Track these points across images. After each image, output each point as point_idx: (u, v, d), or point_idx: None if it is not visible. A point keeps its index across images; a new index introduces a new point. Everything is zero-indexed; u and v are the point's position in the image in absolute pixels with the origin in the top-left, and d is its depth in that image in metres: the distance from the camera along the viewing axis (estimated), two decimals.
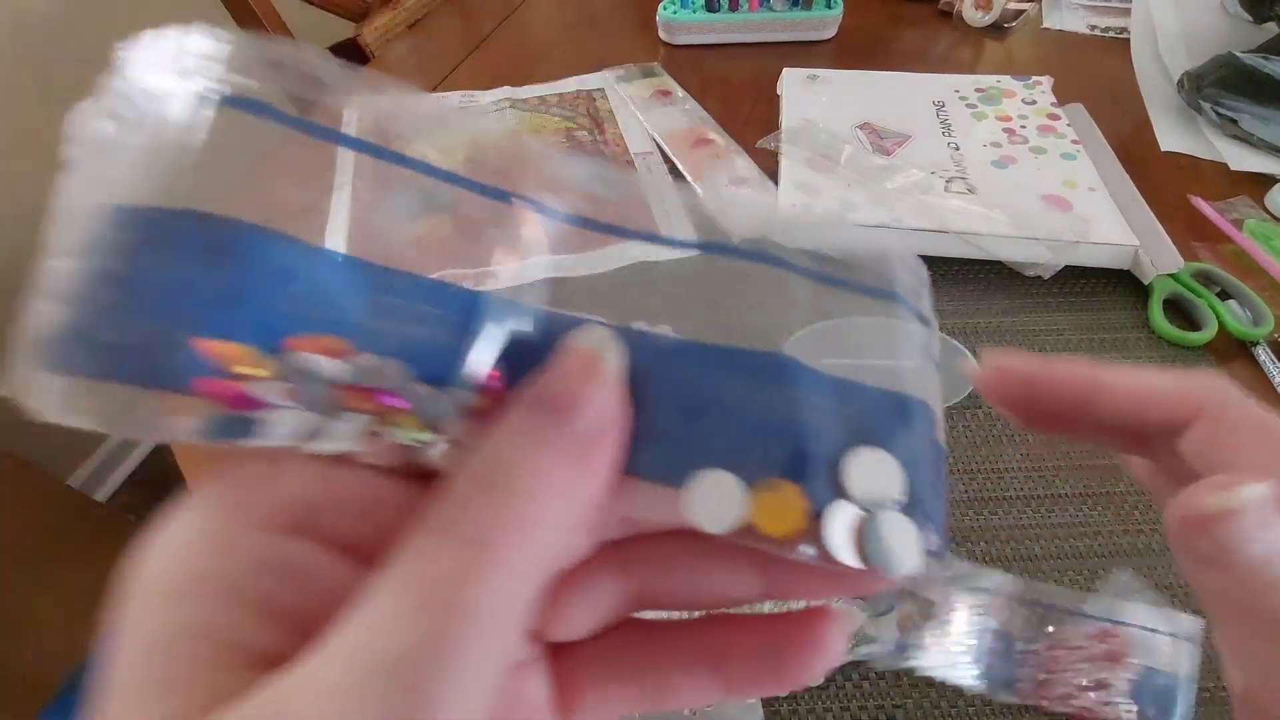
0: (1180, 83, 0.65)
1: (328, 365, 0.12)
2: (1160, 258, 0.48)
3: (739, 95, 0.69)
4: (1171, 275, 0.48)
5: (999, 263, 0.50)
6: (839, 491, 0.13)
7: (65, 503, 1.05)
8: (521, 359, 0.14)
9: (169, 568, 0.12)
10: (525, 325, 0.14)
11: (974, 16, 0.79)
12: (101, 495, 1.39)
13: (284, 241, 0.13)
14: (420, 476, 0.14)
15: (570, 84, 0.71)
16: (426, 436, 0.13)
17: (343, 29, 0.95)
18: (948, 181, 0.54)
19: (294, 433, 0.12)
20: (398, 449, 0.13)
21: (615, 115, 0.67)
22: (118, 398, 0.12)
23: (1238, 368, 0.45)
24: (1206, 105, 0.62)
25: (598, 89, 0.70)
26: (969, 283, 0.50)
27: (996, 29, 0.79)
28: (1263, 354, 0.45)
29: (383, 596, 0.11)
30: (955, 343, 0.46)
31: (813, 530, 0.13)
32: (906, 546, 0.13)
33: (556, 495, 0.12)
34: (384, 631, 0.11)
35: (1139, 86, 0.69)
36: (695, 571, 0.15)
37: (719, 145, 0.62)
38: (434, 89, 0.72)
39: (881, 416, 0.14)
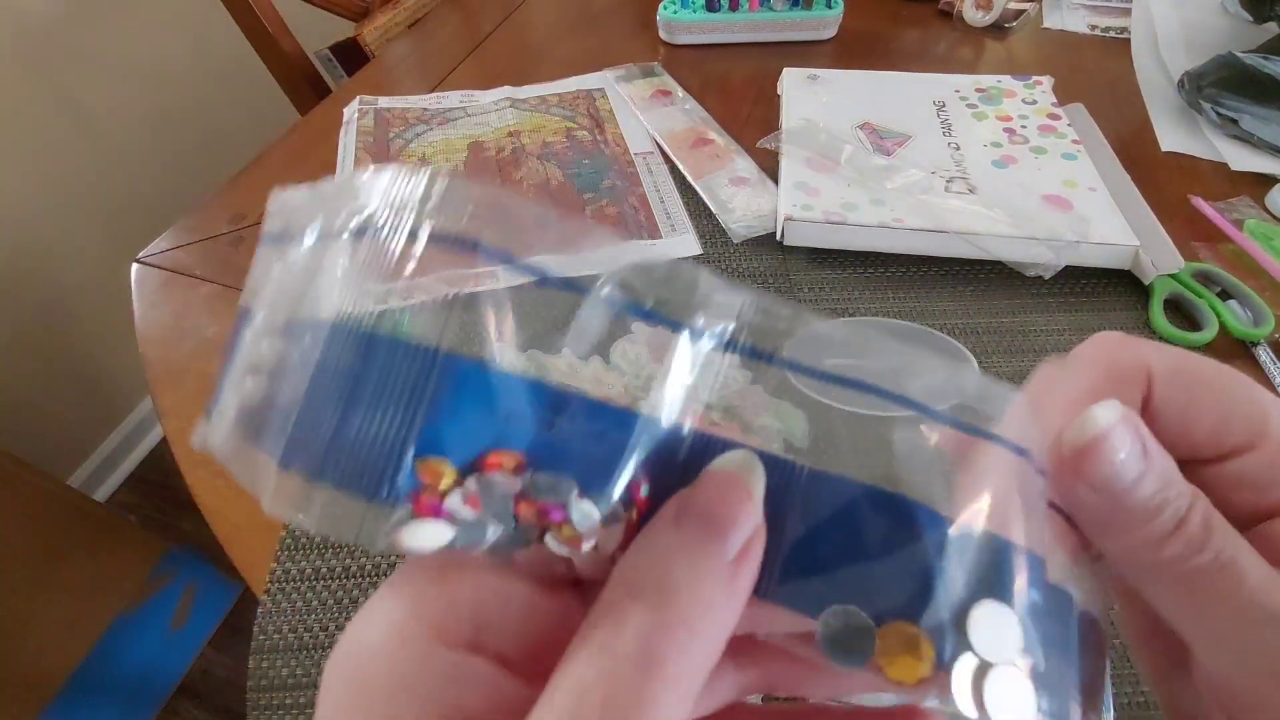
0: (1180, 83, 0.65)
1: (511, 480, 0.13)
2: (1161, 258, 0.48)
3: (739, 95, 0.69)
4: (1172, 275, 0.48)
5: (999, 263, 0.50)
6: (965, 644, 0.13)
7: (65, 503, 1.05)
8: (668, 475, 0.14)
9: (375, 666, 0.13)
10: (677, 444, 0.15)
11: (974, 16, 0.79)
12: (101, 495, 1.39)
13: (484, 366, 0.14)
14: (564, 585, 0.15)
15: (570, 84, 0.71)
16: (583, 546, 0.14)
17: (343, 29, 0.95)
18: (948, 181, 0.54)
19: (472, 541, 0.13)
20: (546, 558, 0.14)
21: (615, 115, 0.67)
22: (332, 503, 0.13)
23: (1238, 368, 0.44)
24: (1207, 105, 0.62)
25: (598, 89, 0.70)
26: (969, 283, 0.50)
27: (997, 29, 0.79)
28: (1263, 354, 0.45)
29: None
30: (956, 342, 0.46)
31: (938, 679, 0.13)
32: (1021, 706, 0.13)
33: (712, 611, 0.13)
34: None
35: (1139, 86, 0.69)
36: (808, 668, 0.15)
37: (719, 145, 0.62)
38: (434, 89, 0.72)
39: (1008, 570, 0.14)
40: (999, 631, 0.14)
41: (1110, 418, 0.15)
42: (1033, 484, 0.15)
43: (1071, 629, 0.15)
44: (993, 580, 0.14)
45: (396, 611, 0.13)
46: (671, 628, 0.12)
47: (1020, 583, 0.14)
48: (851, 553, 0.14)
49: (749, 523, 0.14)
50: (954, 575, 0.14)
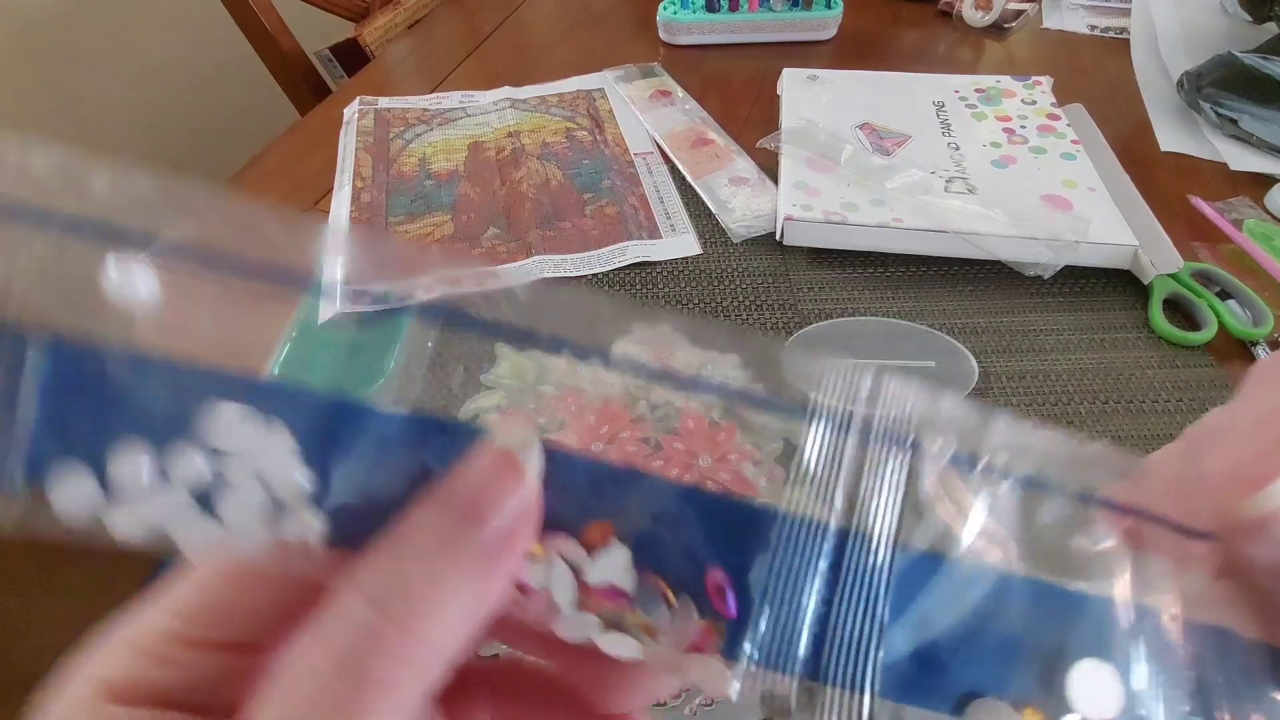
0: (1180, 83, 0.65)
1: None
2: (1160, 258, 0.48)
3: (739, 95, 0.69)
4: (1171, 275, 0.48)
5: (999, 263, 0.50)
6: (1067, 707, 0.13)
7: None
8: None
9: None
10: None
11: (974, 16, 0.79)
12: None
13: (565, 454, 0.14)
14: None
15: (570, 84, 0.71)
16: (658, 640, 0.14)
17: (343, 29, 0.95)
18: (948, 181, 0.54)
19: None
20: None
21: (615, 115, 0.67)
22: None
23: (1238, 368, 0.45)
24: (1206, 105, 0.62)
25: (598, 89, 0.70)
26: (969, 283, 0.50)
27: (996, 29, 0.79)
28: (1263, 354, 0.45)
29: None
30: (956, 342, 0.46)
31: None
32: None
33: (448, 611, 0.12)
34: None
35: (1139, 86, 0.69)
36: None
37: (719, 145, 0.62)
38: (434, 89, 0.72)
39: (1095, 624, 0.14)
40: (1101, 693, 0.13)
41: None
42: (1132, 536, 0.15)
43: (1232, 659, 0.14)
44: (1084, 638, 0.14)
45: (73, 678, 0.13)
46: (386, 635, 0.11)
47: (1133, 637, 0.14)
48: (973, 638, 0.14)
49: (514, 506, 0.12)
50: (1050, 639, 0.14)
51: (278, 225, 0.13)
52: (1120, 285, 0.50)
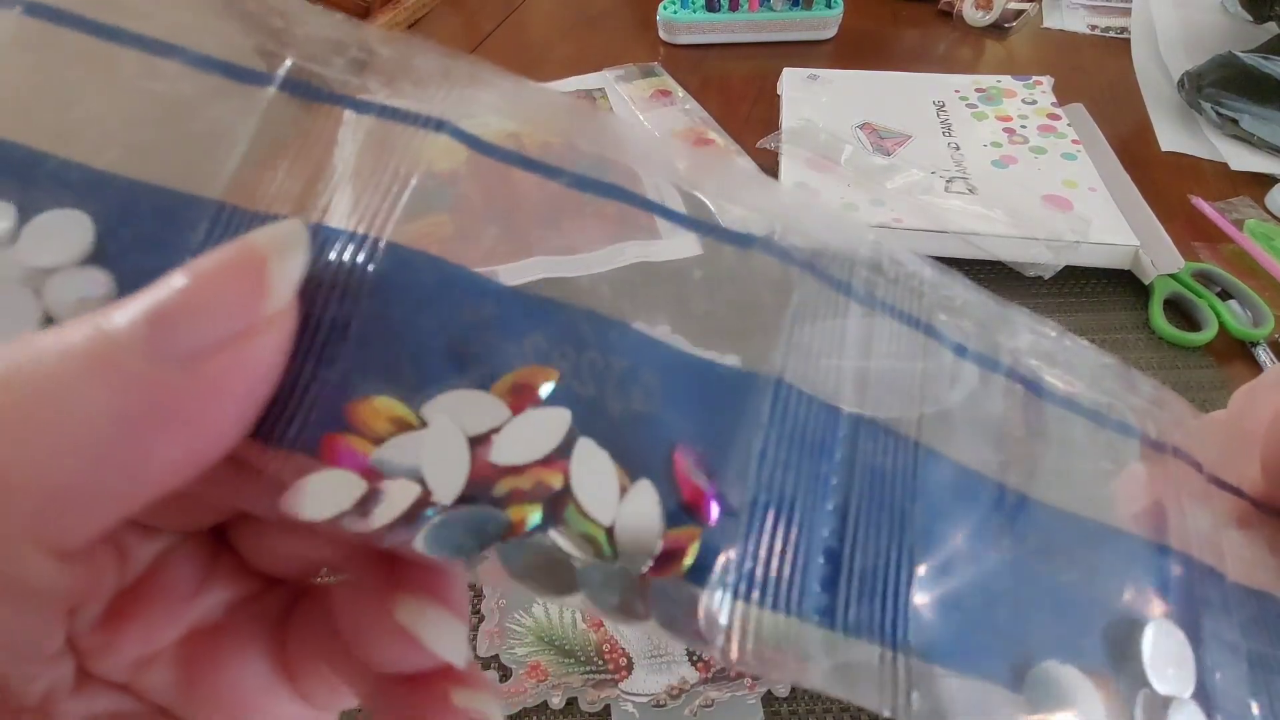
0: (1180, 83, 0.65)
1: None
2: (1160, 258, 0.48)
3: (739, 95, 0.69)
4: (1172, 275, 0.48)
5: (999, 263, 0.50)
6: (1143, 679, 0.11)
7: None
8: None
9: None
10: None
11: (974, 16, 0.79)
12: None
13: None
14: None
15: (570, 84, 0.71)
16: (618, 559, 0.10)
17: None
18: (948, 181, 0.54)
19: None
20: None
21: (615, 115, 0.67)
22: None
23: (1238, 368, 0.44)
24: (1206, 105, 0.62)
25: (598, 89, 0.70)
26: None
27: (996, 29, 0.79)
28: (1263, 354, 0.45)
29: None
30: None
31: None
32: None
33: (78, 433, 0.08)
34: None
35: (1139, 86, 0.69)
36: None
37: (719, 145, 0.62)
38: None
39: (1156, 579, 0.12)
40: (1173, 664, 0.11)
41: None
42: (1204, 493, 0.13)
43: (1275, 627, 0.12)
44: (1161, 599, 0.12)
45: None
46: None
47: (1189, 597, 0.12)
48: (1029, 579, 0.11)
49: (232, 311, 0.09)
50: (1122, 595, 0.11)
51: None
52: (1120, 285, 0.50)
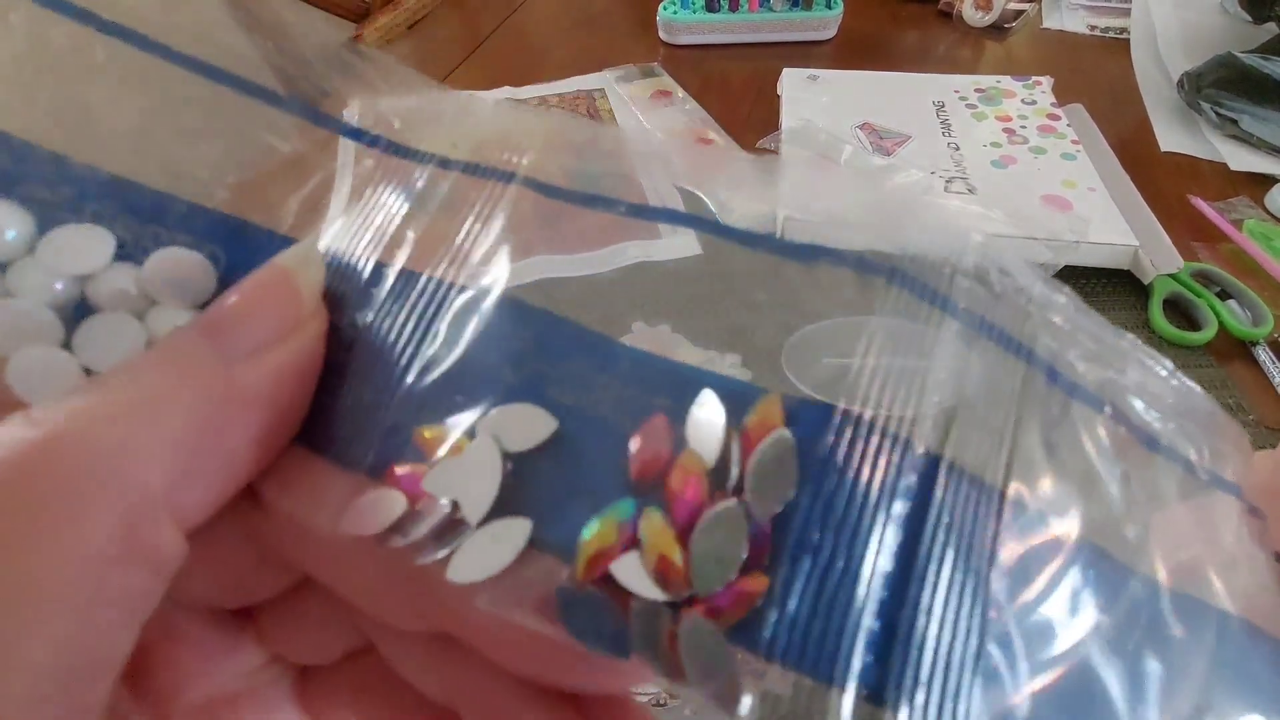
0: (1180, 83, 0.65)
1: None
2: (1160, 258, 0.48)
3: (739, 95, 0.69)
4: (1171, 275, 0.48)
5: None
6: None
7: None
8: None
9: None
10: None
11: (974, 16, 0.79)
12: None
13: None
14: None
15: (570, 84, 0.71)
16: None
17: (342, 29, 0.95)
18: (948, 182, 0.54)
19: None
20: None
21: (615, 115, 0.67)
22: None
23: (1238, 368, 0.44)
24: (1206, 105, 0.62)
25: (598, 89, 0.70)
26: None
27: (996, 29, 0.79)
28: (1263, 354, 0.45)
29: None
30: None
31: None
32: None
33: (161, 425, 0.10)
34: None
35: (1139, 87, 0.69)
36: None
37: (719, 145, 0.62)
38: None
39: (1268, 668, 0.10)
40: None
41: None
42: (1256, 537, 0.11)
43: None
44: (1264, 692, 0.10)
45: None
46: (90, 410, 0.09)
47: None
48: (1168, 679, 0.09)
49: (273, 316, 0.11)
50: (1221, 682, 0.10)
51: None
52: (1120, 285, 0.50)
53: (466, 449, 0.10)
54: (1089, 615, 0.09)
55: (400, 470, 0.10)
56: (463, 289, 0.12)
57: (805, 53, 0.76)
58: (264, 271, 0.11)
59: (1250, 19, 0.70)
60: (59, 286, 0.11)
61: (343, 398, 0.11)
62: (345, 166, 0.13)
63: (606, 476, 0.10)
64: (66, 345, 0.11)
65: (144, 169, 0.12)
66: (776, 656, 0.09)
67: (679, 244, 0.54)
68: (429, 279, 0.12)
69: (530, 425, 0.10)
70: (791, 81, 0.65)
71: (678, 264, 0.53)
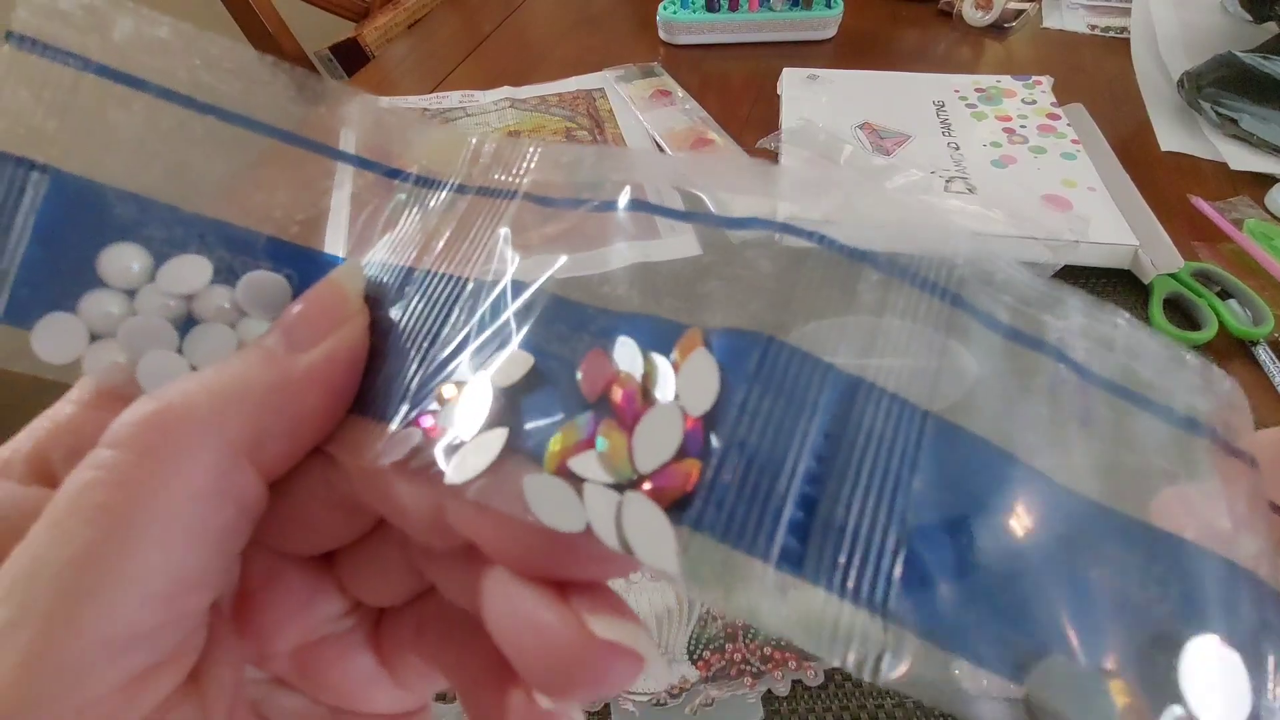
0: (1180, 83, 0.65)
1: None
2: (1160, 257, 0.48)
3: (739, 95, 0.69)
4: (1171, 275, 0.48)
5: None
6: (1175, 694, 0.10)
7: None
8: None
9: None
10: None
11: (974, 16, 0.79)
12: None
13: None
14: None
15: (570, 84, 0.71)
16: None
17: (343, 29, 0.95)
18: (948, 181, 0.54)
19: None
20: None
21: (615, 115, 0.67)
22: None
23: (1238, 368, 0.45)
24: (1206, 105, 0.62)
25: (598, 89, 0.70)
26: None
27: (996, 29, 0.79)
28: (1263, 354, 0.45)
29: (50, 512, 0.12)
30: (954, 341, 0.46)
31: None
32: None
33: (237, 400, 0.13)
34: (44, 543, 0.11)
35: (1139, 86, 0.69)
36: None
37: (719, 145, 0.62)
38: (434, 89, 0.72)
39: (1212, 592, 0.11)
40: (1220, 684, 0.10)
41: None
42: (1258, 494, 0.12)
43: None
44: (1205, 607, 0.11)
45: None
46: (179, 417, 0.12)
47: (1249, 617, 0.11)
48: (1046, 565, 0.10)
49: (326, 315, 0.14)
50: (1163, 602, 0.10)
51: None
52: (1120, 285, 0.50)
53: (469, 391, 0.13)
54: (1014, 525, 0.11)
55: (422, 417, 0.13)
56: (471, 281, 0.15)
57: (805, 53, 0.76)
58: (321, 284, 0.15)
59: (1250, 18, 0.70)
60: (172, 304, 0.15)
61: (383, 373, 0.14)
62: (388, 200, 0.17)
63: (569, 397, 0.12)
64: (180, 350, 0.14)
65: (233, 212, 0.16)
66: (705, 529, 0.11)
67: (678, 244, 0.54)
68: (444, 277, 0.15)
69: (514, 365, 0.13)
70: (791, 81, 0.65)
71: (677, 264, 0.53)
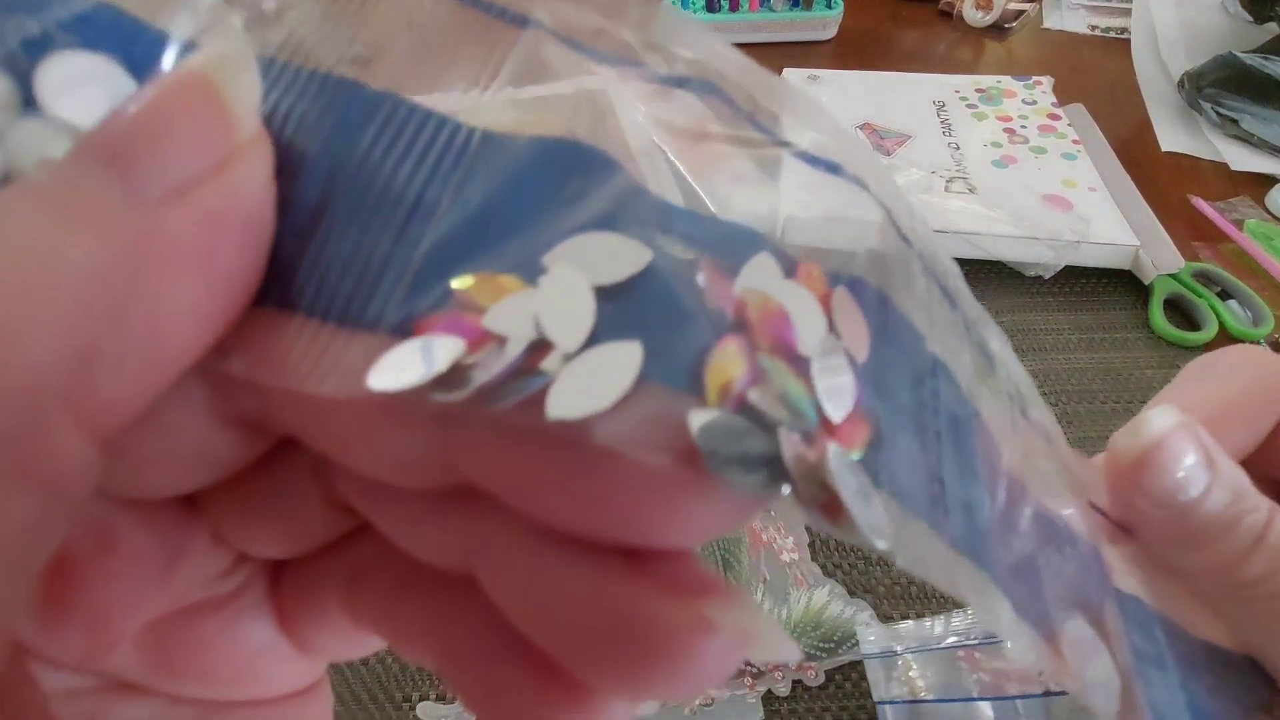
0: (1180, 83, 0.65)
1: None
2: (1160, 258, 0.48)
3: None
4: (1172, 275, 0.48)
5: (999, 262, 0.50)
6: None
7: None
8: None
9: None
10: None
11: (974, 16, 0.79)
12: None
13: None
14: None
15: (570, 84, 0.71)
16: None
17: None
18: (948, 181, 0.54)
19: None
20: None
21: (616, 115, 0.67)
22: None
23: None
24: (1207, 105, 0.62)
25: (598, 89, 0.70)
26: (969, 282, 0.50)
27: (996, 29, 0.79)
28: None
29: None
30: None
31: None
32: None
33: (69, 275, 0.07)
34: None
35: (1139, 86, 0.69)
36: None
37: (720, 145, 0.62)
38: (434, 89, 0.72)
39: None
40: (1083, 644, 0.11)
41: (1166, 424, 0.13)
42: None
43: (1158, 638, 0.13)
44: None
45: None
46: None
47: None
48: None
49: (199, 138, 0.08)
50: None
51: None
52: (1120, 285, 0.50)
53: (541, 282, 0.09)
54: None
55: (442, 319, 0.08)
56: (474, 129, 0.10)
57: (805, 53, 0.76)
58: (174, 78, 0.08)
59: (1251, 19, 0.70)
60: None
61: (328, 246, 0.09)
62: None
63: (703, 312, 0.09)
64: None
65: None
66: (885, 486, 0.09)
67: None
68: (430, 110, 0.10)
69: (618, 257, 0.09)
70: (791, 81, 0.65)
71: None
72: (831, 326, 0.09)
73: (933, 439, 0.10)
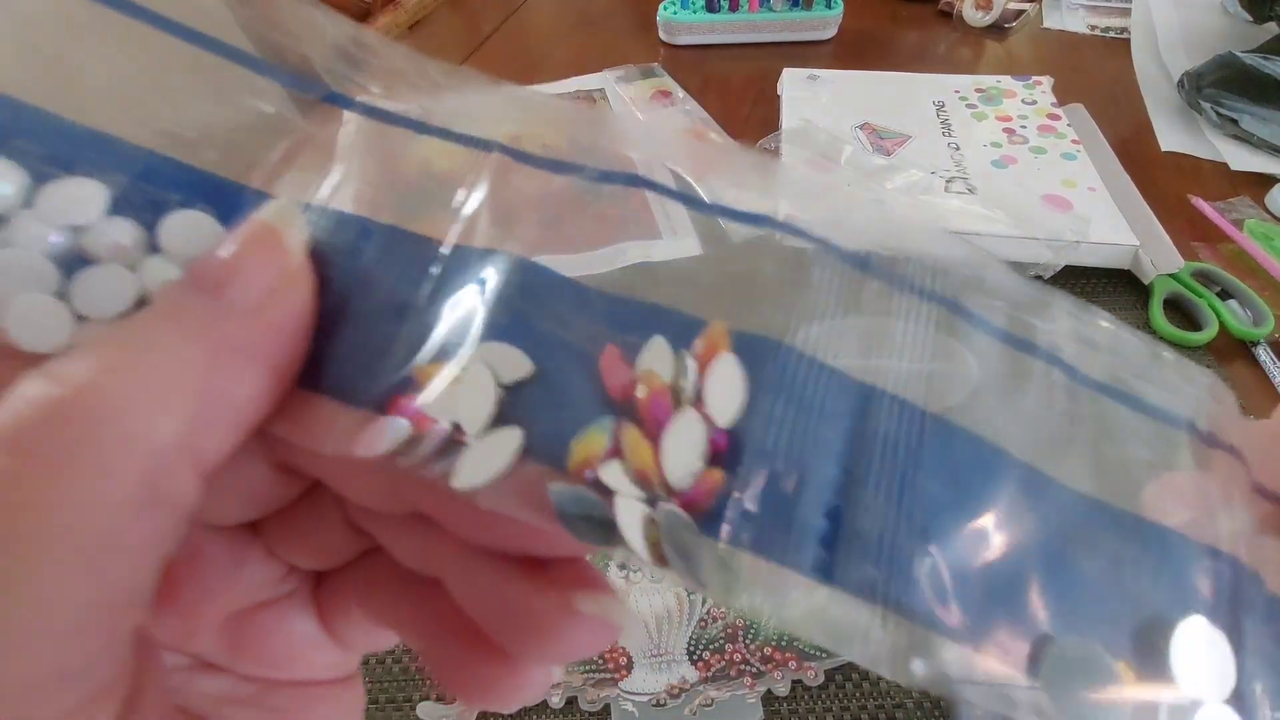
0: (1180, 83, 0.65)
1: None
2: (1160, 258, 0.48)
3: (739, 95, 0.69)
4: (1172, 275, 0.48)
5: None
6: (1167, 674, 0.11)
7: None
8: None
9: None
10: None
11: (974, 16, 0.79)
12: None
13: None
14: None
15: (570, 84, 0.71)
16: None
17: None
18: (948, 181, 0.54)
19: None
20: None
21: (613, 119, 0.67)
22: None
23: (1238, 368, 0.44)
24: (1207, 105, 0.62)
25: (598, 89, 0.70)
26: None
27: (996, 29, 0.79)
28: (1263, 354, 0.45)
29: None
30: (955, 342, 0.46)
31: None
32: None
33: (172, 378, 0.10)
34: None
35: (1139, 86, 0.69)
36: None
37: (719, 144, 0.62)
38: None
39: (1194, 577, 0.12)
40: (1207, 663, 0.11)
41: None
42: (1238, 482, 0.13)
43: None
44: (1200, 597, 0.11)
45: None
46: (69, 404, 0.10)
47: (1233, 599, 0.11)
48: (1047, 556, 0.11)
49: (265, 272, 0.11)
50: (1154, 588, 0.11)
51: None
52: (1120, 285, 0.50)
53: (463, 377, 0.12)
54: (1017, 521, 0.11)
55: (404, 401, 0.11)
56: (446, 246, 0.13)
57: (805, 53, 0.76)
58: (249, 228, 0.12)
59: (1251, 19, 0.70)
60: (54, 239, 0.11)
61: (340, 343, 0.12)
62: (327, 131, 0.14)
63: (586, 398, 0.11)
64: (61, 295, 0.11)
65: (134, 129, 0.12)
66: (738, 542, 0.11)
67: (679, 245, 0.54)
68: (411, 235, 0.13)
69: (514, 362, 0.12)
70: (791, 81, 0.65)
71: (678, 265, 0.53)
72: (699, 396, 0.11)
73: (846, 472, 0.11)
